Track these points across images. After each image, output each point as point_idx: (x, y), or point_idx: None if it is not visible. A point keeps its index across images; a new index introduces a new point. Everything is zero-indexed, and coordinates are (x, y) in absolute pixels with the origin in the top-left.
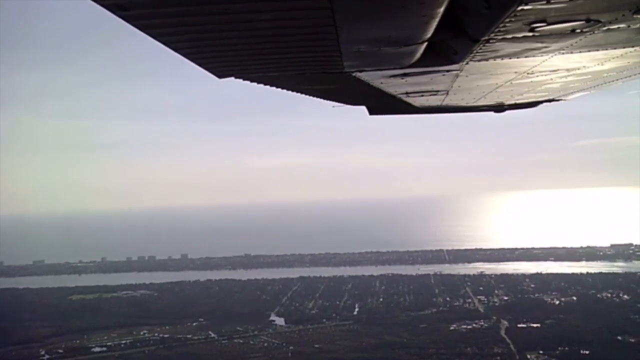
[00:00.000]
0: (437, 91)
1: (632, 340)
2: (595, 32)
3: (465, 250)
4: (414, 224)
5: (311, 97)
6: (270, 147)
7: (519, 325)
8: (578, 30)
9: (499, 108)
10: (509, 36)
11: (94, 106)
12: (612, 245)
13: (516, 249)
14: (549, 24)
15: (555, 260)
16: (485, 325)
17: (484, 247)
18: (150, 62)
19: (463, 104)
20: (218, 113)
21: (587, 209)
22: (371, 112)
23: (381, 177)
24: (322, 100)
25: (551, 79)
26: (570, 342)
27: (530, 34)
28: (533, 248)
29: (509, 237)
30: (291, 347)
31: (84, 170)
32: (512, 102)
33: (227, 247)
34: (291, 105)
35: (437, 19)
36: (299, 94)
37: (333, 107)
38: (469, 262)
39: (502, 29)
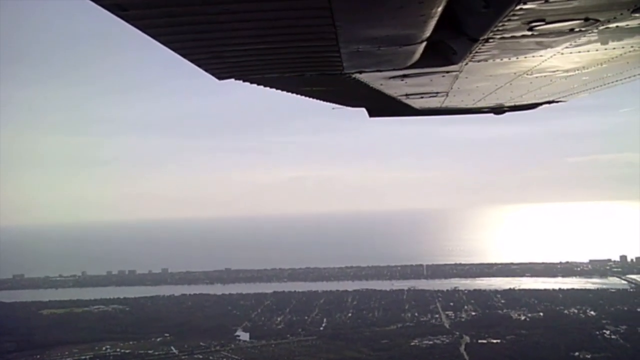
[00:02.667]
0: (437, 93)
1: (588, 357)
2: (594, 31)
3: (445, 265)
4: (402, 238)
5: (310, 101)
6: (265, 162)
7: (480, 341)
8: (577, 30)
9: (499, 110)
10: (508, 35)
11: (82, 120)
12: (591, 261)
13: (495, 264)
14: (547, 23)
15: (532, 275)
16: (447, 341)
17: (464, 262)
18: (141, 76)
19: (463, 105)
20: (209, 129)
21: (575, 223)
22: (371, 114)
23: (377, 191)
24: (321, 101)
25: (551, 80)
26: (525, 358)
27: (529, 33)
28: (512, 263)
29: (491, 252)
30: None
31: (73, 184)
32: (512, 103)
33: (208, 261)
34: (285, 121)
35: (436, 19)
36: (298, 99)
37: (333, 108)
38: (446, 277)
39: (500, 29)
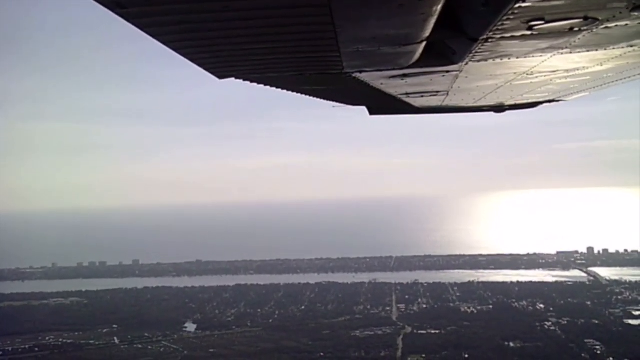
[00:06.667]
0: (437, 92)
1: (519, 345)
2: (593, 30)
3: (413, 257)
4: (385, 227)
5: (309, 98)
6: (256, 149)
7: (419, 332)
8: (576, 29)
9: (499, 108)
10: (508, 35)
11: (74, 108)
12: (558, 253)
13: (462, 256)
14: (546, 22)
15: (495, 268)
16: (388, 331)
17: (432, 254)
18: (136, 67)
19: (463, 104)
20: (202, 117)
21: (555, 212)
22: (371, 112)
23: (370, 178)
24: (322, 100)
25: (551, 80)
26: (457, 347)
27: (529, 32)
28: (480, 255)
29: (468, 244)
30: (185, 352)
31: (56, 171)
32: (512, 102)
33: (180, 253)
34: (278, 108)
35: (436, 17)
36: (296, 95)
37: (333, 107)
38: (412, 269)
39: (500, 28)
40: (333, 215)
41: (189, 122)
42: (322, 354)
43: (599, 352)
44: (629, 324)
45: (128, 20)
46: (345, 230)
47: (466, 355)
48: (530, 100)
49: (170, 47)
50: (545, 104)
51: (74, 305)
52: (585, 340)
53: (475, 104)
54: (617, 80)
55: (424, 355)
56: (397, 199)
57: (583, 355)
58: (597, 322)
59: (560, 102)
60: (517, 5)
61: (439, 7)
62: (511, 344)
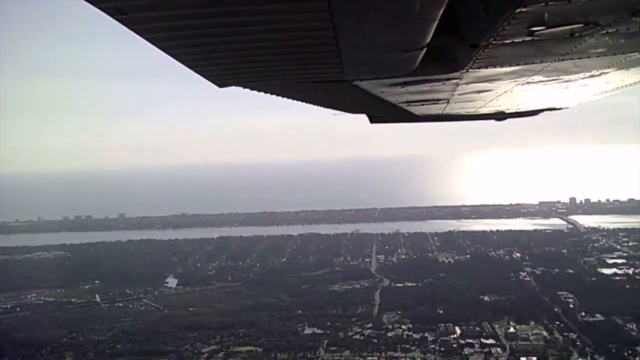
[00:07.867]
0: (438, 100)
1: (493, 299)
2: (594, 35)
3: (398, 208)
4: (374, 183)
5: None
6: (241, 107)
7: (397, 285)
8: (577, 34)
9: (500, 116)
10: (508, 41)
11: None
12: (540, 203)
13: (446, 207)
14: (547, 28)
15: (477, 217)
16: (367, 285)
17: (417, 205)
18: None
19: (464, 112)
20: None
21: (545, 168)
22: (372, 121)
23: (360, 137)
24: (322, 107)
25: (552, 87)
26: (432, 302)
27: (529, 38)
28: (463, 206)
29: (448, 196)
30: (165, 311)
31: (45, 131)
32: (513, 110)
33: (167, 207)
34: None
35: (436, 22)
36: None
37: (334, 114)
38: (394, 220)
39: (501, 33)
40: (324, 174)
41: (179, 81)
42: (299, 311)
43: (571, 305)
44: (602, 273)
45: (128, 27)
46: (336, 187)
47: (440, 311)
48: (531, 108)
49: (170, 55)
50: (546, 111)
51: (57, 260)
52: (559, 292)
53: (475, 112)
54: (618, 88)
55: (399, 312)
56: (388, 159)
57: (556, 309)
58: (571, 271)
59: (562, 110)
60: (517, 10)
61: (440, 11)
62: (485, 298)
